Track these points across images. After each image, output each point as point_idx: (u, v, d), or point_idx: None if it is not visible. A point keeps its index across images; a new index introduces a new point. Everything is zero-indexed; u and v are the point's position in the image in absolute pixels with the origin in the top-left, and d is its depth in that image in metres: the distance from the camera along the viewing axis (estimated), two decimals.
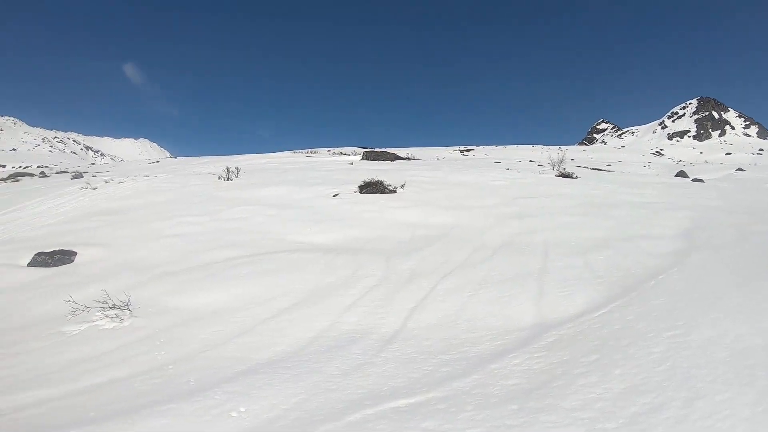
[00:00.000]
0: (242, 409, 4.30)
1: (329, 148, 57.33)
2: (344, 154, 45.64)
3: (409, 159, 34.83)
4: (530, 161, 40.01)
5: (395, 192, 15.50)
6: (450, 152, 60.95)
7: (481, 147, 71.13)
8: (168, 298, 7.58)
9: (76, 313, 7.08)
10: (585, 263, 7.67)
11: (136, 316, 6.91)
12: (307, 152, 51.39)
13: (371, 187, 15.68)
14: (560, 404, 3.79)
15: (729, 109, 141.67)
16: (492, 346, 5.27)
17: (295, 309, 6.84)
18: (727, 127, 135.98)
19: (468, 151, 64.77)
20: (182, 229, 11.93)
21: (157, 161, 47.80)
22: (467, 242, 9.66)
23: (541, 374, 4.39)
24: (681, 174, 29.09)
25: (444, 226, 11.23)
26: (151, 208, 14.88)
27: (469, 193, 15.29)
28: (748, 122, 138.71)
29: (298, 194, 15.99)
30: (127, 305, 7.10)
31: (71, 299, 7.30)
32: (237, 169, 22.77)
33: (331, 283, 7.71)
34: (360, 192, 15.67)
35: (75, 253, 10.57)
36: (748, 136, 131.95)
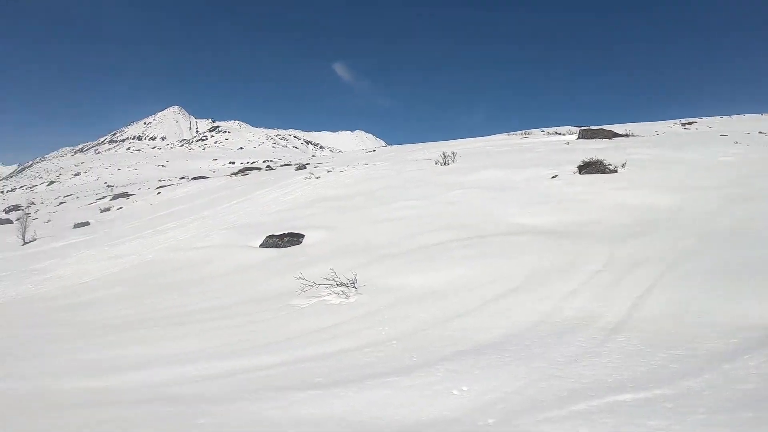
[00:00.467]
0: (464, 388, 4.46)
1: (543, 129, 55.98)
2: (559, 134, 44.45)
3: (627, 135, 32.97)
4: (760, 132, 36.07)
5: (616, 172, 14.79)
6: (670, 126, 56.58)
7: (704, 119, 65.12)
8: (389, 278, 8.07)
9: (306, 289, 7.87)
10: None
11: (360, 294, 7.49)
12: (521, 134, 50.56)
13: (590, 167, 15.09)
14: None
15: None
16: (724, 345, 4.92)
17: (514, 293, 6.89)
18: None
19: (690, 124, 59.75)
20: (400, 213, 12.51)
21: (374, 150, 50.03)
22: (694, 228, 8.99)
23: None
24: None
25: (668, 209, 10.54)
26: (370, 194, 15.75)
27: (693, 171, 14.13)
28: None
29: (515, 176, 15.85)
30: (353, 283, 7.71)
31: (301, 276, 8.09)
32: (453, 153, 22.98)
33: (550, 267, 7.64)
34: (579, 172, 15.19)
35: (302, 236, 11.67)
36: None
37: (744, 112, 70.69)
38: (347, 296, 7.49)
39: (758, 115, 65.05)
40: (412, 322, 6.33)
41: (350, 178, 20.02)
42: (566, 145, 25.72)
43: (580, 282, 7.01)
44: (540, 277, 7.35)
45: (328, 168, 26.48)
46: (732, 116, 67.94)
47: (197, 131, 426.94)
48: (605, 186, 13.10)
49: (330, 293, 7.63)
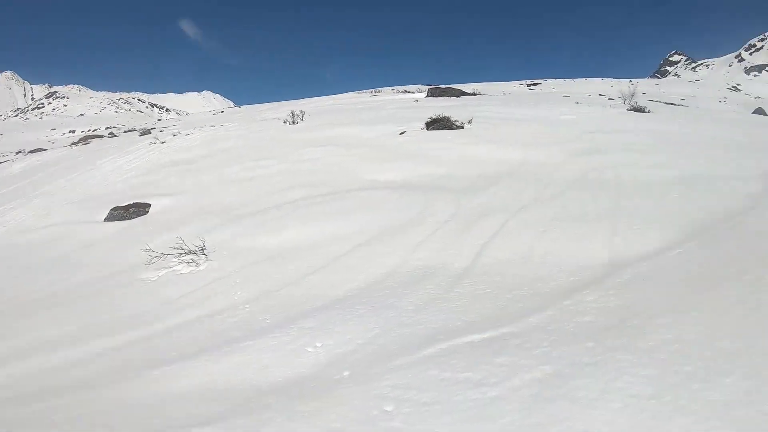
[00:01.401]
0: (318, 345, 4.48)
1: (393, 87, 56.69)
2: (409, 92, 45.15)
3: (475, 95, 34.09)
4: (599, 95, 38.57)
5: (462, 128, 15.23)
6: (516, 86, 59.44)
7: (549, 81, 68.98)
8: (241, 240, 7.88)
9: (154, 260, 7.47)
10: (659, 201, 7.41)
11: (211, 260, 7.24)
12: (371, 92, 50.88)
13: (438, 123, 15.44)
14: (636, 344, 3.77)
15: None
16: (565, 283, 5.24)
17: (367, 246, 6.95)
18: None
19: (535, 85, 63.09)
20: (252, 173, 12.18)
21: (222, 111, 48.34)
22: (537, 179, 9.47)
23: (616, 312, 4.36)
24: (758, 111, 27.46)
25: (513, 162, 11.00)
26: (219, 155, 15.24)
27: (538, 128, 14.90)
28: None
29: (366, 133, 15.90)
30: (202, 250, 7.40)
31: (148, 248, 7.65)
32: (302, 112, 22.78)
33: (402, 221, 7.75)
34: (427, 129, 15.48)
35: (149, 205, 11.06)
36: None
37: (586, 76, 75.40)
38: (197, 264, 7.21)
39: (599, 79, 69.75)
40: (265, 283, 6.25)
41: (197, 141, 19.25)
42: (415, 103, 26.25)
43: (429, 233, 7.16)
44: (392, 230, 7.44)
45: (175, 132, 25.31)
46: (575, 79, 72.44)
47: (32, 98, 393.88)
48: (455, 141, 13.44)
49: (180, 262, 7.32)
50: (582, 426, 3.02)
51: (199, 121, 32.52)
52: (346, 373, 3.95)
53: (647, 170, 9.41)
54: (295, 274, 6.35)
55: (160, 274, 7.15)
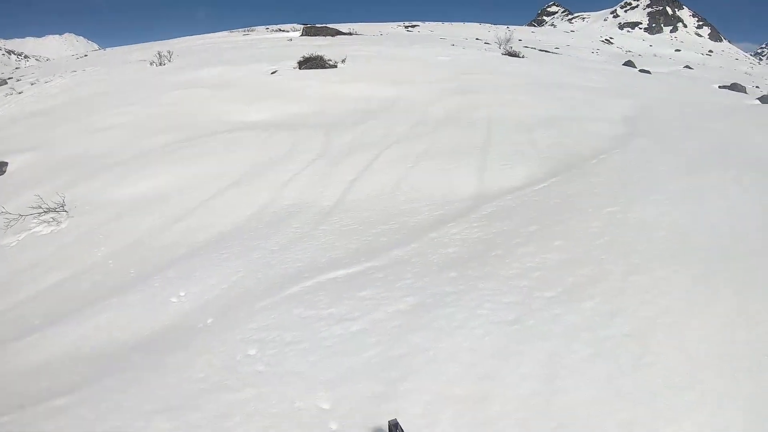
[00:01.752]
0: (182, 294, 4.33)
1: (268, 26, 54.91)
2: (283, 31, 43.78)
3: (351, 34, 33.67)
4: (477, 39, 39.15)
5: (336, 67, 14.98)
6: (394, 28, 59.32)
7: (427, 23, 69.35)
8: (106, 192, 7.38)
9: (12, 224, 6.81)
10: (528, 140, 7.55)
11: (73, 216, 6.74)
12: (244, 31, 49.00)
13: (311, 62, 15.10)
14: (499, 272, 3.83)
15: (684, 6, 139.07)
16: (431, 216, 5.26)
17: (233, 188, 6.73)
18: (680, 25, 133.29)
19: (413, 27, 63.25)
20: (117, 119, 11.34)
21: (85, 55, 44.76)
22: (409, 116, 9.46)
23: (479, 243, 4.41)
24: (628, 63, 28.76)
25: (386, 100, 10.95)
26: (82, 103, 14.08)
27: (413, 68, 14.83)
28: (701, 23, 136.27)
29: (235, 73, 15.28)
30: (62, 206, 6.85)
31: (4, 210, 7.00)
32: (170, 53, 21.57)
33: (269, 160, 7.56)
34: (299, 68, 15.09)
35: (6, 163, 10.08)
36: (699, 36, 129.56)
37: (465, 21, 76.24)
38: (59, 222, 6.67)
39: (477, 24, 70.84)
40: (130, 235, 5.92)
41: (58, 89, 17.74)
42: (289, 42, 25.55)
43: (297, 171, 7.03)
44: (259, 169, 7.23)
45: (32, 80, 23.34)
46: (453, 23, 73.23)
47: None
48: (327, 79, 13.21)
49: (40, 223, 6.74)
50: (445, 354, 3.01)
51: (60, 66, 30.02)
52: (210, 321, 3.84)
53: (518, 111, 9.58)
54: (160, 223, 6.06)
55: (20, 238, 6.54)
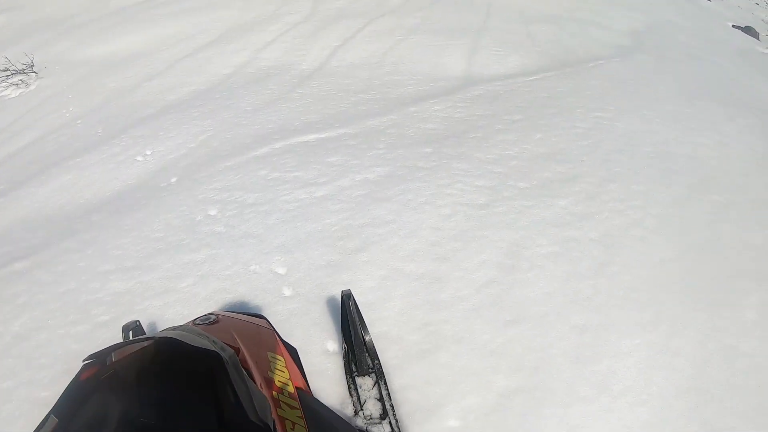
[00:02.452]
0: (148, 153, 4.21)
1: None
2: None
3: None
4: None
5: None
6: None
7: None
8: (77, 51, 7.09)
9: None
10: (527, 31, 7.17)
11: (42, 77, 6.53)
12: None
13: None
14: (475, 155, 3.69)
15: None
16: (415, 91, 5.06)
17: (211, 47, 6.45)
18: None
19: None
20: None
21: None
22: None
23: (461, 123, 4.26)
24: None
25: None
26: None
27: None
28: None
29: None
30: (31, 67, 6.63)
31: None
32: None
33: (252, 20, 7.21)
34: None
35: None
36: None
37: None
38: (27, 84, 6.48)
39: None
40: (100, 95, 5.70)
41: None
42: None
43: (281, 32, 6.72)
44: (240, 30, 6.91)
45: None
46: None
47: None
48: None
49: (8, 86, 6.54)
50: (407, 229, 2.91)
51: None
52: (173, 180, 3.74)
53: (522, 2, 9.21)
54: (132, 82, 5.83)
55: None
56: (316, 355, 2.31)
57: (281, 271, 2.73)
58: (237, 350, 1.28)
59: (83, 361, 1.07)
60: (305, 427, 1.20)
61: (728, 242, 3.21)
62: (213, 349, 1.08)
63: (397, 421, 2.04)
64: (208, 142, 4.17)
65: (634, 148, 4.06)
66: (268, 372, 1.33)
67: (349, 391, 2.17)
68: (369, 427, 2.03)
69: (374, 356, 2.22)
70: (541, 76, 5.51)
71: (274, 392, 1.27)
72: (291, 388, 1.34)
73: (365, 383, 2.17)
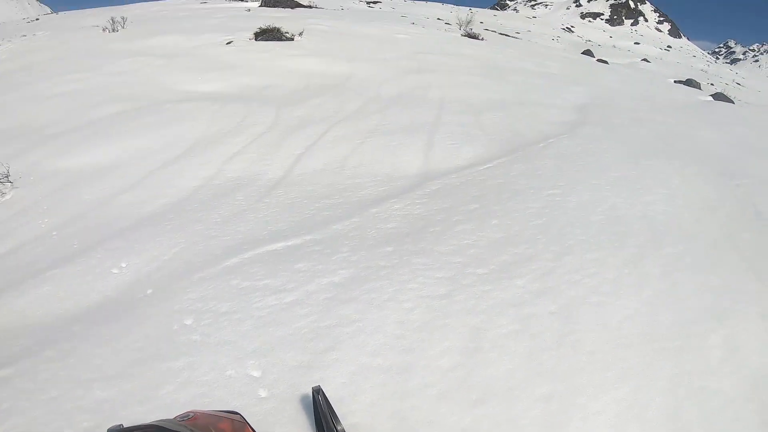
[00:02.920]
0: (123, 265, 4.28)
1: None
2: (242, 1, 43.07)
3: (311, 7, 33.33)
4: (438, 19, 39.22)
5: (293, 40, 14.76)
6: (356, 3, 59.09)
7: (390, 0, 69.28)
8: (51, 162, 7.16)
9: None
10: (478, 122, 7.60)
11: (17, 187, 6.52)
12: None
13: (267, 34, 14.85)
14: (435, 248, 3.88)
15: (646, 1, 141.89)
16: (375, 192, 5.31)
17: (180, 160, 6.64)
18: (641, 19, 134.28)
19: (375, 3, 63.10)
20: (65, 87, 10.92)
21: (37, 19, 42.92)
22: (362, 93, 9.43)
23: (420, 219, 4.47)
24: (587, 53, 29.05)
25: (340, 76, 10.86)
26: (29, 69, 13.51)
27: (370, 45, 14.76)
28: (662, 18, 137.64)
29: (190, 42, 14.88)
30: (6, 177, 6.60)
31: None
32: (123, 19, 20.56)
33: (217, 132, 7.45)
34: (255, 39, 14.83)
35: None
36: (660, 31, 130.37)
37: (427, 0, 76.02)
38: (3, 194, 6.44)
39: (440, 4, 70.74)
40: (75, 206, 5.79)
41: (5, 54, 17.06)
42: (247, 12, 24.95)
43: (245, 144, 6.97)
44: (207, 142, 7.14)
45: None
46: (416, 1, 72.99)
47: None
48: (281, 53, 13.00)
49: None
50: (372, 326, 3.05)
51: (8, 31, 29.02)
52: (149, 291, 3.82)
53: (470, 92, 9.64)
54: (108, 194, 5.95)
55: None
56: None
57: (256, 374, 2.81)
58: None
59: None
60: None
61: (685, 289, 3.43)
62: None
63: None
64: (181, 254, 4.30)
65: (585, 218, 4.31)
66: None
67: None
68: None
69: None
70: (494, 163, 5.81)
71: None
72: None
73: None
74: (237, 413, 1.84)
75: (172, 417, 1.69)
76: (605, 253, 3.78)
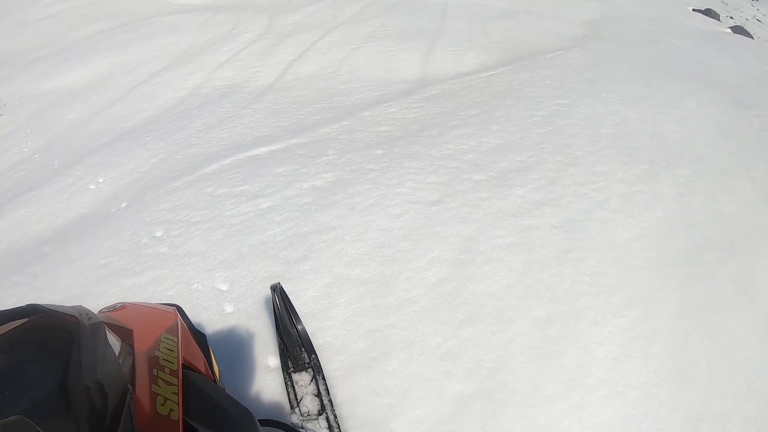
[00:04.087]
0: (100, 180, 4.02)
1: None
2: None
3: None
4: None
5: None
6: None
7: None
8: (35, 86, 6.83)
9: None
10: (483, 29, 7.00)
11: (2, 114, 6.28)
12: None
13: None
14: (428, 152, 3.48)
15: None
16: (370, 96, 4.87)
17: (166, 71, 6.23)
18: None
19: None
20: (51, 9, 10.27)
21: None
22: None
23: (415, 123, 4.06)
24: None
25: None
26: None
27: None
28: None
29: None
30: None
31: None
32: None
33: (206, 42, 6.99)
34: None
35: None
36: None
37: None
38: None
39: None
40: (58, 127, 5.50)
41: None
42: None
43: (235, 52, 6.50)
44: (195, 52, 6.69)
45: None
46: None
47: None
48: None
49: None
50: (353, 233, 2.68)
51: None
52: (123, 205, 3.56)
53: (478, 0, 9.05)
54: (89, 111, 5.63)
55: None
56: (258, 371, 2.10)
57: (223, 287, 2.51)
58: (130, 331, 1.33)
59: None
60: (178, 403, 1.21)
61: (697, 214, 3.03)
62: (72, 314, 1.10)
63: (336, 416, 1.88)
64: (159, 165, 3.96)
65: (594, 130, 3.86)
66: (155, 351, 1.33)
67: (286, 388, 2.00)
68: (305, 424, 1.90)
69: (310, 350, 2.05)
70: (498, 71, 5.33)
71: (154, 369, 1.28)
72: (174, 366, 1.33)
73: (302, 379, 2.00)
74: (175, 305, 1.67)
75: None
76: (614, 167, 3.36)
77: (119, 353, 1.21)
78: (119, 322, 1.35)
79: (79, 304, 1.30)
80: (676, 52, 7.09)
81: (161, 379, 1.24)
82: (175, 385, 1.25)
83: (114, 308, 1.51)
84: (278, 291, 2.02)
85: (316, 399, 1.93)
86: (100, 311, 1.47)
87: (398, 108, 4.40)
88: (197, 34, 7.33)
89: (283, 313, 2.00)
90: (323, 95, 4.99)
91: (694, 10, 17.61)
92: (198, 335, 1.61)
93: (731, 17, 24.19)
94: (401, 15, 7.64)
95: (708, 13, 17.22)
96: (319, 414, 1.89)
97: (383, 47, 6.19)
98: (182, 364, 1.34)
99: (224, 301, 2.42)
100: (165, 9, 8.94)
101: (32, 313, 1.10)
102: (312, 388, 1.96)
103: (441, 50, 6.10)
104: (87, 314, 1.14)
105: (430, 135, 3.76)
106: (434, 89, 4.87)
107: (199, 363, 1.50)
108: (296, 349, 2.01)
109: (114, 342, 1.22)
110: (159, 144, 4.30)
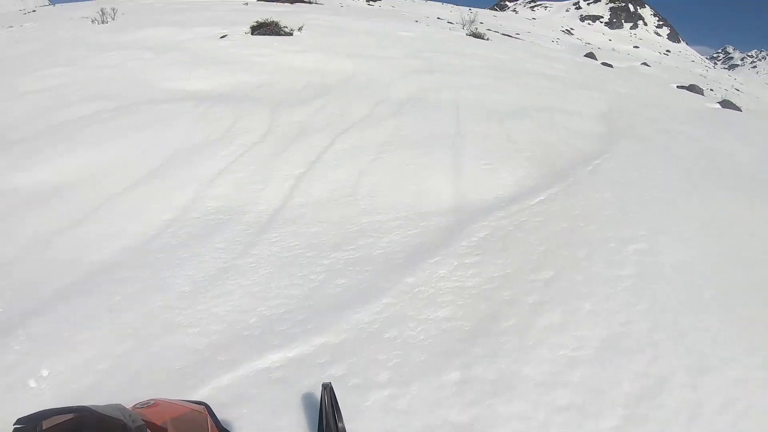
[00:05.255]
0: (44, 373, 2.60)
1: None
2: None
3: (310, 2, 32.08)
4: (438, 18, 38.07)
5: (291, 35, 13.38)
6: (355, 0, 58.06)
7: None
8: (6, 176, 5.41)
9: None
10: (505, 133, 6.18)
11: None
12: None
13: (265, 28, 13.45)
14: (520, 371, 2.34)
15: (646, 5, 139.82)
16: (403, 240, 3.75)
17: (152, 177, 4.99)
18: (640, 23, 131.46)
19: (374, 0, 62.40)
20: (43, 83, 9.20)
21: (34, 11, 41.35)
22: (369, 94, 7.85)
23: (480, 300, 2.93)
24: (590, 55, 27.71)
25: (343, 74, 9.26)
26: (8, 62, 11.95)
27: (374, 41, 13.15)
28: (661, 23, 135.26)
29: (181, 35, 13.21)
30: None
31: None
32: (114, 10, 19.05)
33: (201, 141, 5.83)
34: (252, 33, 13.41)
35: None
36: (659, 35, 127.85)
37: None
38: None
39: (439, 3, 69.70)
40: (16, 242, 4.06)
41: None
42: (245, 6, 23.36)
43: (232, 158, 5.35)
44: (186, 154, 5.51)
45: None
46: (415, 0, 71.78)
47: None
48: (281, 48, 11.39)
49: None
50: None
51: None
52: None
53: (485, 95, 8.20)
54: (54, 227, 4.23)
55: None
56: None
57: None
58: (164, 429, 1.40)
59: (14, 424, 1.13)
60: None
61: None
62: (121, 419, 1.19)
63: None
64: (125, 362, 2.63)
65: (696, 295, 3.00)
66: None
67: None
68: None
69: None
70: (545, 195, 4.39)
71: None
72: None
73: None
74: (204, 403, 1.72)
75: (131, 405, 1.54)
76: (740, 353, 2.43)
77: None
78: (153, 420, 1.39)
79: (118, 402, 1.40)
80: (696, 146, 6.85)
81: None
82: None
83: (148, 405, 1.54)
84: (329, 390, 1.91)
85: None
86: (134, 407, 1.51)
87: (449, 269, 3.26)
88: (192, 131, 6.20)
89: (329, 411, 1.85)
90: (343, 236, 3.84)
91: (678, 87, 17.45)
92: None
93: (711, 89, 24.17)
94: (414, 116, 6.77)
95: (692, 89, 17.04)
96: None
97: (403, 159, 5.20)
98: None
99: None
100: (159, 96, 7.88)
101: (80, 412, 1.16)
102: None
103: (469, 164, 5.15)
104: (131, 416, 1.24)
105: (509, 330, 2.63)
106: (481, 228, 3.83)
107: None
108: None
109: None
110: (128, 314, 2.99)
